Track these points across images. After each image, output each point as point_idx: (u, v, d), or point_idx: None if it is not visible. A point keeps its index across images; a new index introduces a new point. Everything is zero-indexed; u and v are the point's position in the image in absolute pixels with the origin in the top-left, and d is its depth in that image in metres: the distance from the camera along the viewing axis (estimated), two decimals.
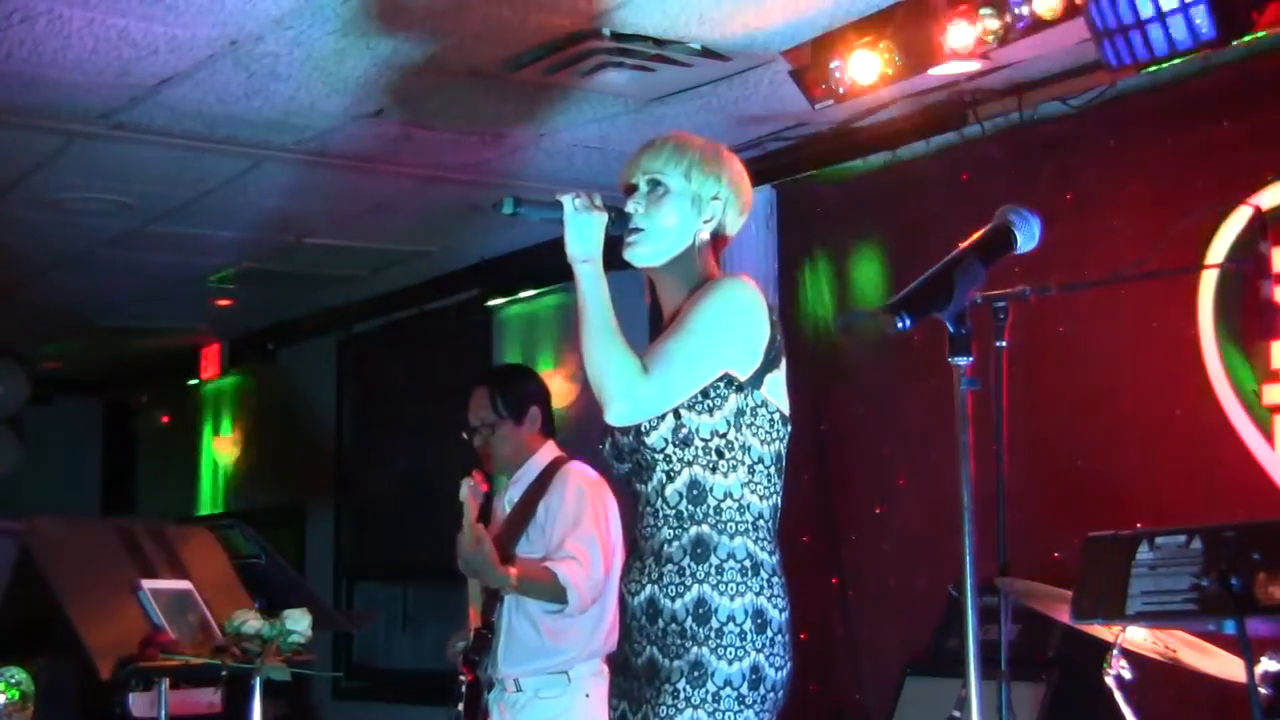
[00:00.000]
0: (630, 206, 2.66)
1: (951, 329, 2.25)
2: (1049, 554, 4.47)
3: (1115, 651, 3.16)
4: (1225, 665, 3.11)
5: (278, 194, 6.26)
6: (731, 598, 2.51)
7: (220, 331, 9.49)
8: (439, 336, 8.12)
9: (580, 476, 4.25)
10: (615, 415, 2.53)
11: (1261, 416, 4.32)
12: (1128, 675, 3.16)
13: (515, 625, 4.17)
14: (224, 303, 8.57)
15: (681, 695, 2.47)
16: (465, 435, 4.34)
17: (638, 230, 2.66)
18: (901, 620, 5.19)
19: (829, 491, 5.57)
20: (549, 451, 4.34)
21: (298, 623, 3.97)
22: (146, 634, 4.03)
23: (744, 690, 2.48)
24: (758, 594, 2.52)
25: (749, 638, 2.50)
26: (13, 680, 4.16)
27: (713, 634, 2.49)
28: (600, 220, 2.59)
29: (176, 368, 10.26)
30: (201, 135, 5.40)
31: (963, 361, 2.26)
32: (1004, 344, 3.11)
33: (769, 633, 2.52)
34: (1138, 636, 3.18)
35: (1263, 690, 2.88)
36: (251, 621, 3.96)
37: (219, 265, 7.60)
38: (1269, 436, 4.30)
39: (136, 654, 3.97)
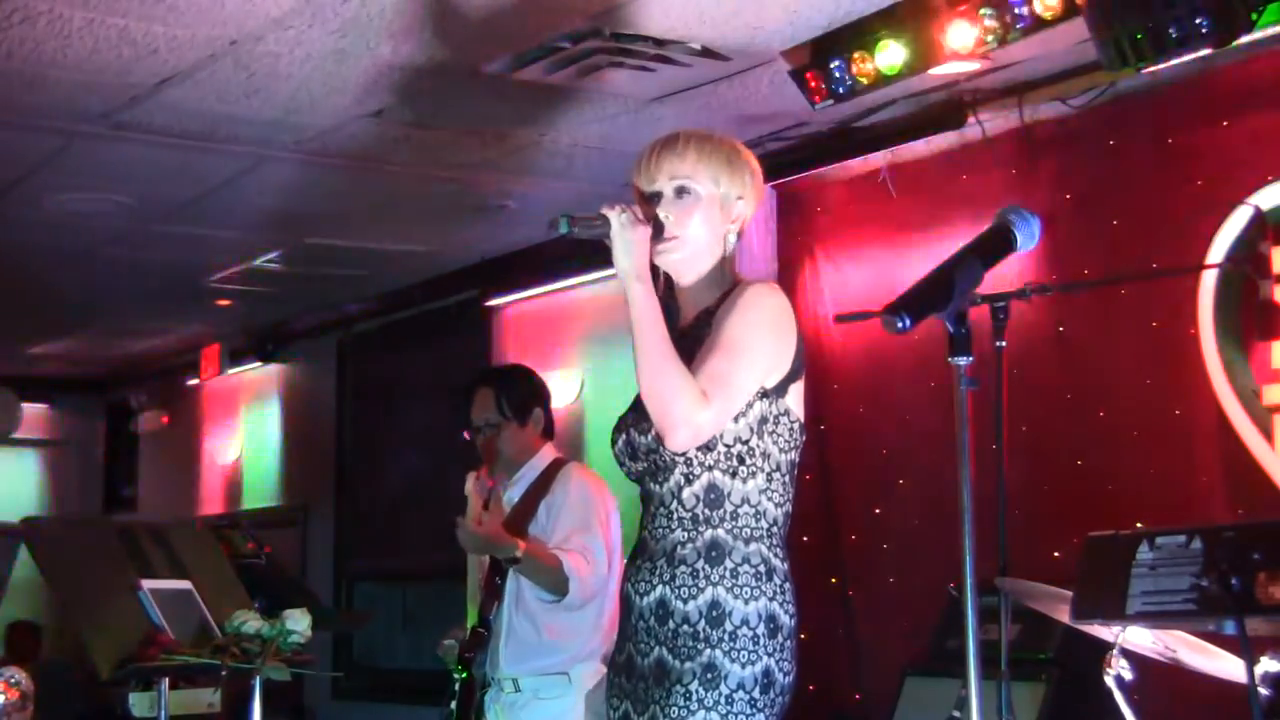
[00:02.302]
0: (662, 215, 2.62)
1: (951, 329, 2.25)
2: (1049, 554, 4.47)
3: (1115, 651, 3.16)
4: (1225, 665, 3.11)
5: (278, 194, 6.26)
6: (746, 601, 2.50)
7: (220, 331, 9.49)
8: (439, 336, 8.11)
9: (582, 477, 4.25)
10: (677, 442, 2.49)
11: (1261, 416, 4.33)
12: (1128, 675, 3.16)
13: (515, 624, 4.17)
14: (224, 303, 8.57)
15: (694, 697, 2.46)
16: (467, 435, 4.35)
17: (673, 239, 2.62)
18: (901, 620, 5.19)
19: (829, 491, 5.57)
20: (549, 452, 4.35)
21: (298, 623, 3.97)
22: (146, 634, 4.03)
23: (756, 694, 2.47)
24: (771, 599, 2.52)
25: (761, 642, 2.49)
26: (13, 680, 4.16)
27: (726, 637, 2.48)
28: (646, 234, 2.55)
29: (176, 368, 10.26)
30: (201, 135, 5.40)
31: (963, 361, 2.26)
32: (1004, 344, 3.11)
33: (780, 637, 2.52)
34: (1138, 636, 3.18)
35: (1263, 690, 2.88)
36: (251, 621, 3.96)
37: (219, 265, 7.60)
38: (1269, 436, 4.30)
39: (136, 654, 3.97)
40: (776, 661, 2.50)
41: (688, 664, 2.49)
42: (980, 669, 2.20)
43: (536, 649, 4.14)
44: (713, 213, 2.65)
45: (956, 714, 3.41)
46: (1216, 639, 3.14)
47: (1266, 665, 2.94)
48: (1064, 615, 3.24)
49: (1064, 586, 3.26)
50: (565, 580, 4.00)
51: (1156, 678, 3.46)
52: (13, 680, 4.13)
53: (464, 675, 4.20)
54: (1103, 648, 3.20)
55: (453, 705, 4.20)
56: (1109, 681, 3.17)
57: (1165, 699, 3.73)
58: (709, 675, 2.47)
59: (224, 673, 3.94)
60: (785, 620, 2.53)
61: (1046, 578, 3.49)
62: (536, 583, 4.07)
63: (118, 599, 4.11)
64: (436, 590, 7.83)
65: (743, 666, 2.47)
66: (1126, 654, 3.16)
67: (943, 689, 4.10)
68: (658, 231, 2.60)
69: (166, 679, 4.05)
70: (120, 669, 3.95)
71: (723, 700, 2.46)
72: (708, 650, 2.48)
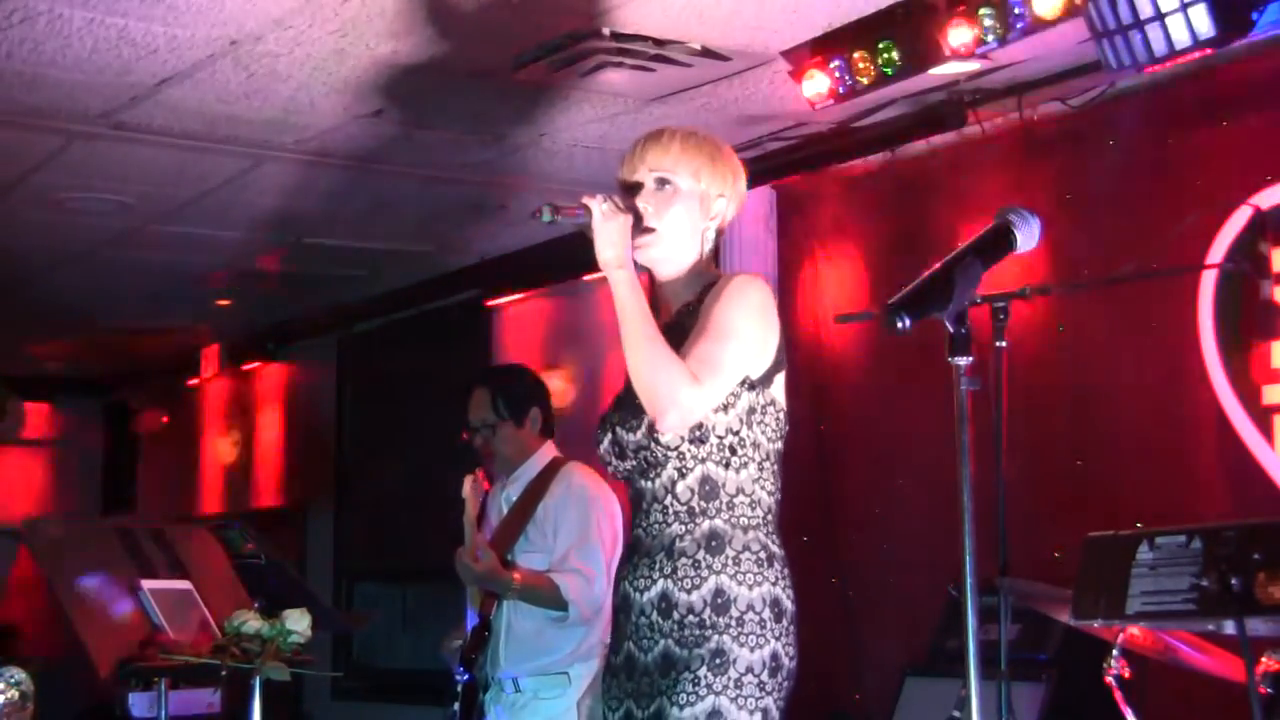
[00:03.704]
0: (641, 205, 2.64)
1: (951, 329, 2.26)
2: (1049, 554, 4.46)
3: (1115, 651, 3.16)
4: (1225, 665, 3.11)
5: (278, 194, 6.26)
6: (750, 587, 2.51)
7: (220, 331, 9.49)
8: (439, 336, 8.11)
9: (581, 477, 4.26)
10: (668, 424, 2.51)
11: (1261, 416, 4.32)
12: (1128, 675, 3.16)
13: (515, 624, 4.18)
14: (224, 303, 8.57)
15: (703, 682, 2.47)
16: (465, 435, 4.36)
17: (650, 231, 2.64)
18: (901, 620, 5.19)
19: (829, 491, 5.57)
20: (548, 451, 4.36)
21: (298, 623, 3.97)
22: (146, 634, 4.03)
23: (765, 677, 2.48)
24: (774, 584, 2.54)
25: (768, 626, 2.51)
26: (13, 680, 4.15)
27: (733, 622, 2.49)
28: (627, 223, 2.56)
29: (176, 368, 10.26)
30: (201, 135, 5.40)
31: (963, 361, 2.26)
32: (1004, 344, 3.11)
33: (784, 621, 2.54)
34: (1138, 636, 3.18)
35: (1263, 690, 2.88)
36: (251, 621, 3.96)
37: (219, 265, 7.60)
38: (1269, 436, 4.30)
39: (136, 654, 3.97)
40: (783, 645, 2.52)
41: (695, 652, 2.49)
42: (980, 669, 2.20)
43: (536, 649, 4.15)
44: (692, 207, 2.67)
45: (956, 714, 3.41)
46: (1216, 639, 3.14)
47: (1266, 665, 2.94)
48: (1064, 615, 3.24)
49: (1064, 586, 3.26)
50: (565, 603, 4.03)
51: (1156, 678, 3.46)
52: (13, 680, 4.12)
53: (466, 676, 4.21)
54: (1103, 648, 3.20)
55: (456, 706, 4.21)
56: (1109, 681, 3.17)
57: (1165, 699, 3.73)
58: (717, 660, 2.47)
59: (224, 673, 3.94)
60: (788, 605, 2.55)
61: (1046, 578, 3.49)
62: (536, 605, 4.10)
63: (118, 599, 4.11)
64: (436, 590, 7.82)
65: (751, 650, 2.48)
66: (1126, 654, 3.16)
67: (943, 689, 4.10)
68: (636, 222, 2.61)
69: (166, 679, 4.05)
70: (120, 669, 3.95)
71: (731, 684, 2.46)
72: (715, 636, 2.49)
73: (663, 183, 2.67)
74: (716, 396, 2.53)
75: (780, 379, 2.63)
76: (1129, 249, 4.67)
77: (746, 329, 2.57)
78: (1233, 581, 2.73)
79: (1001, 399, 3.07)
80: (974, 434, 2.24)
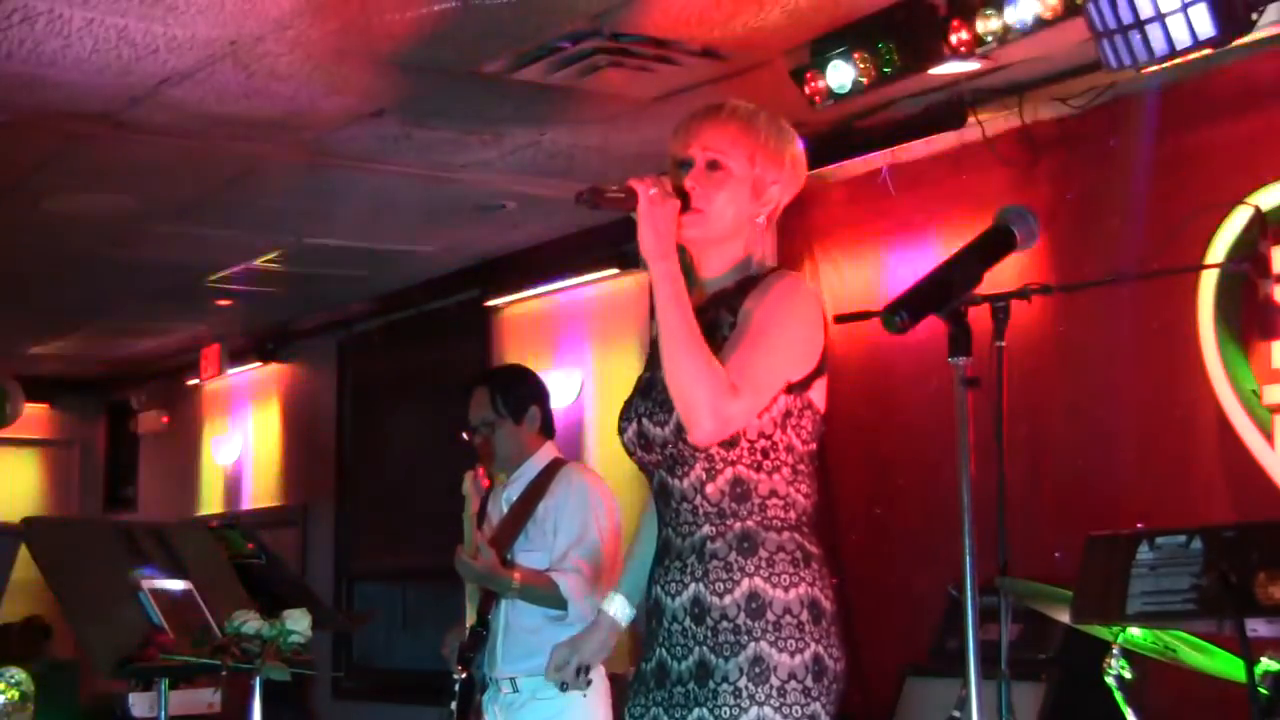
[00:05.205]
0: (688, 184, 2.49)
1: (951, 329, 2.25)
2: (1049, 554, 4.47)
3: (1115, 651, 3.16)
4: (1225, 665, 3.11)
5: (278, 194, 6.26)
6: (785, 589, 2.40)
7: (220, 331, 9.49)
8: (439, 336, 8.12)
9: (582, 477, 4.27)
10: (702, 435, 2.38)
11: (1261, 416, 4.32)
12: (1128, 675, 3.16)
13: (513, 623, 4.19)
14: (224, 303, 8.58)
15: (745, 694, 2.36)
16: (465, 434, 4.37)
17: (695, 212, 2.49)
18: (901, 620, 5.19)
19: (829, 491, 5.56)
20: (548, 451, 4.36)
21: (298, 623, 3.97)
22: (146, 634, 4.03)
23: (809, 682, 2.38)
24: (811, 584, 2.43)
25: (806, 628, 2.40)
26: (13, 680, 4.15)
27: (770, 627, 2.38)
28: (674, 210, 2.41)
29: (176, 368, 10.26)
30: (201, 135, 5.41)
31: (962, 361, 2.25)
32: (1004, 344, 3.11)
33: (824, 623, 2.43)
34: (1138, 636, 3.18)
35: (1263, 690, 2.88)
36: (251, 621, 3.96)
37: (219, 265, 7.60)
38: (1269, 436, 4.30)
39: (136, 654, 3.97)
40: (825, 648, 2.41)
41: (732, 660, 2.38)
42: (980, 669, 2.20)
43: (534, 648, 4.14)
44: (742, 193, 2.53)
45: (956, 714, 3.41)
46: (1216, 639, 3.13)
47: (1266, 665, 2.94)
48: (1064, 615, 3.24)
49: (1064, 586, 3.26)
50: (564, 601, 4.04)
51: (1156, 678, 3.46)
52: (13, 680, 4.12)
53: (463, 675, 4.22)
54: (1103, 648, 3.20)
55: (452, 705, 4.22)
56: (1109, 681, 3.17)
57: (1165, 699, 3.73)
58: (757, 669, 2.36)
59: (224, 673, 3.94)
60: (827, 606, 2.44)
61: (1046, 578, 3.49)
62: (536, 604, 4.11)
63: (118, 599, 4.11)
64: (436, 590, 7.83)
65: (791, 655, 2.37)
66: (1126, 654, 3.16)
67: (943, 689, 4.11)
68: (684, 201, 2.47)
69: (166, 679, 4.05)
70: (120, 669, 3.95)
71: (775, 693, 2.35)
72: (752, 643, 2.38)
73: (714, 165, 2.52)
74: (756, 410, 2.41)
75: (821, 384, 2.51)
76: (1129, 249, 4.67)
77: (791, 338, 2.45)
78: (1233, 581, 2.73)
79: (1001, 399, 3.07)
80: (974, 434, 2.24)
